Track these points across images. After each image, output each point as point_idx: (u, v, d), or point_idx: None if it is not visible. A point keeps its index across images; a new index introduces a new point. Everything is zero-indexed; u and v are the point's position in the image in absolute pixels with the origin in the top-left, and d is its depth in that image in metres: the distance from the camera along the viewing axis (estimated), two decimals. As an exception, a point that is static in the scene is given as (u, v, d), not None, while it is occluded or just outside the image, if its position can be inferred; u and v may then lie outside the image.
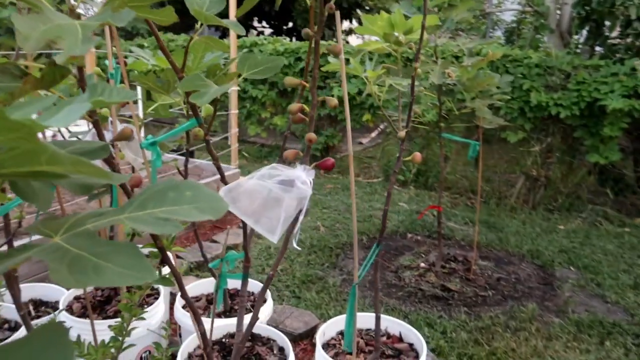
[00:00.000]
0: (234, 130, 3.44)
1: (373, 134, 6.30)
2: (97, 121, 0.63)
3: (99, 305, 1.45)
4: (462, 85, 2.36)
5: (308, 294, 2.43)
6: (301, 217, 0.85)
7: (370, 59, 1.17)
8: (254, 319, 0.97)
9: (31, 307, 1.65)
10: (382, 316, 1.40)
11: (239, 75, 0.85)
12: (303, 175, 0.82)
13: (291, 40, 6.33)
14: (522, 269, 2.88)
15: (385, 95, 1.18)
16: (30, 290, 1.72)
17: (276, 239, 0.79)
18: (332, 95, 4.66)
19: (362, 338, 1.38)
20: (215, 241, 2.95)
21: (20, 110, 0.41)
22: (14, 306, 1.49)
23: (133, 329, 0.97)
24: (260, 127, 5.18)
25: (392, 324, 1.41)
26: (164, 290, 1.53)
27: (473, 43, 2.20)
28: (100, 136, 0.65)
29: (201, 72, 1.31)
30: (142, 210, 0.46)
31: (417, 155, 1.17)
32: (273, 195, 0.82)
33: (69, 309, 1.41)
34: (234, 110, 3.39)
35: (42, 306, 1.65)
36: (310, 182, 0.83)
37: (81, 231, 0.44)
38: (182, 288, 0.81)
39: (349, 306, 1.16)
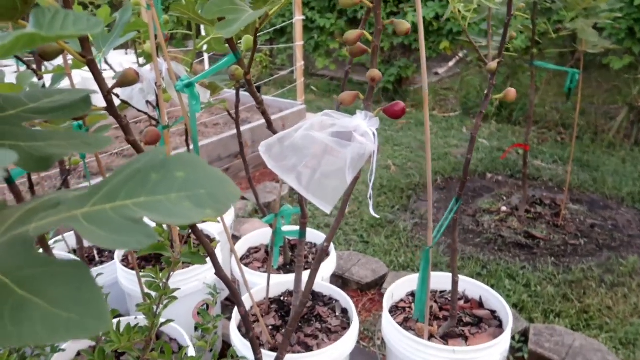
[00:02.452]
0: (299, 63, 3.25)
1: (450, 63, 5.83)
2: (91, 61, 0.48)
3: (155, 255, 1.40)
4: (562, 2, 1.99)
5: (377, 239, 2.30)
6: (372, 178, 0.68)
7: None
8: (310, 284, 0.83)
9: (95, 253, 1.64)
10: (461, 277, 1.23)
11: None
12: (363, 125, 0.64)
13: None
14: (621, 215, 2.55)
15: (473, 16, 0.94)
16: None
17: (329, 209, 0.63)
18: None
19: (435, 302, 1.23)
20: (278, 182, 2.86)
21: None
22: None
23: (175, 289, 0.87)
24: (329, 59, 4.92)
25: (472, 287, 1.24)
26: (220, 238, 1.44)
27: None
28: (100, 82, 0.50)
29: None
30: (108, 202, 0.30)
31: (511, 92, 0.94)
32: (325, 152, 0.64)
33: (125, 259, 1.37)
34: (299, 42, 3.18)
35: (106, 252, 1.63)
36: (374, 134, 0.65)
37: (18, 236, 0.29)
38: (216, 265, 0.68)
39: (421, 271, 1.00)
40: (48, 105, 0.40)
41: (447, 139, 3.65)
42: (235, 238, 2.15)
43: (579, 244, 2.28)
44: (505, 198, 2.71)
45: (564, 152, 3.35)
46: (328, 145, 0.64)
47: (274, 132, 0.84)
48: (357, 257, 2.06)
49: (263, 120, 3.07)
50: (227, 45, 1.03)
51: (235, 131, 2.91)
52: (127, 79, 0.50)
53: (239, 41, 1.19)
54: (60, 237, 1.61)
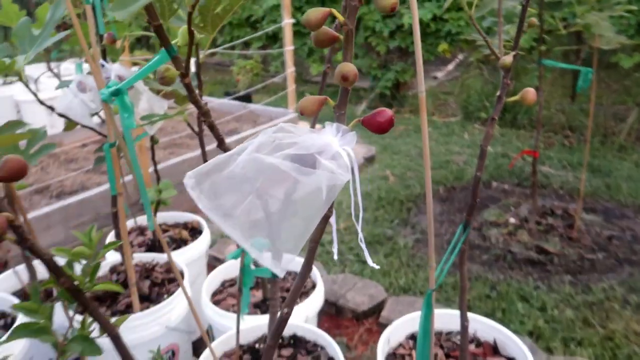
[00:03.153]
0: (290, 69, 3.06)
1: (450, 66, 5.64)
2: None
3: (111, 294, 1.20)
4: (572, -7, 1.80)
5: (374, 258, 2.10)
6: (334, 223, 0.48)
7: None
8: (281, 324, 0.62)
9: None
10: (470, 316, 1.03)
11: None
12: (334, 143, 0.45)
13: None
14: (640, 225, 2.35)
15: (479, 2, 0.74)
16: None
17: (282, 272, 0.43)
18: (402, 25, 4.09)
19: (441, 346, 1.02)
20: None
21: None
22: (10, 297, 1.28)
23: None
24: (323, 65, 4.73)
25: (484, 327, 1.04)
26: (188, 272, 1.24)
27: None
28: None
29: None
30: None
31: (530, 93, 0.74)
32: (282, 185, 0.45)
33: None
34: (289, 47, 2.99)
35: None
36: (350, 156, 0.45)
37: None
38: (122, 351, 0.48)
39: (422, 318, 0.79)
40: None
41: (448, 145, 3.45)
42: (217, 261, 1.95)
43: (596, 259, 2.08)
44: (513, 208, 2.51)
45: (572, 157, 3.15)
46: (284, 173, 0.45)
47: (206, 160, 0.65)
48: (352, 280, 1.86)
49: (253, 130, 2.89)
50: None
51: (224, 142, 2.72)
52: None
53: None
54: (11, 271, 1.41)
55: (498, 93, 0.79)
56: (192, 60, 1.18)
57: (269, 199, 0.45)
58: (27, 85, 0.97)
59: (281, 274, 0.43)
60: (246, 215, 0.44)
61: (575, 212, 2.31)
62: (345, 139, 0.46)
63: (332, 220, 0.49)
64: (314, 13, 0.42)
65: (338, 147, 0.45)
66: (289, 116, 3.14)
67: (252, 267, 0.89)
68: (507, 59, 0.73)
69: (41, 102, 0.95)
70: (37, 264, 1.48)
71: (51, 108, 0.96)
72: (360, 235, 0.51)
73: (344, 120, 0.47)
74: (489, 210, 2.49)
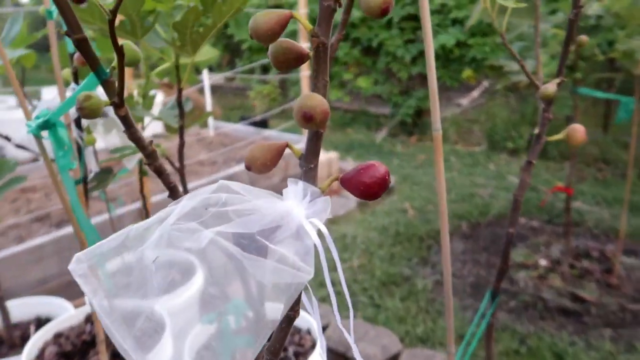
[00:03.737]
0: (304, 91, 2.94)
1: (475, 93, 5.47)
2: None
3: (82, 348, 1.05)
4: (612, 17, 1.64)
5: (390, 302, 1.91)
6: (320, 344, 0.33)
7: None
8: None
9: (32, 329, 1.31)
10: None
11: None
12: (298, 213, 0.29)
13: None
14: (687, 271, 2.11)
15: (515, 3, 0.58)
16: (34, 306, 1.38)
17: None
18: (422, 52, 3.95)
19: None
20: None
21: None
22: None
23: None
24: (343, 91, 4.62)
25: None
26: (172, 323, 1.09)
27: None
28: None
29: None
30: None
31: (580, 132, 0.58)
32: (218, 278, 0.30)
33: (40, 356, 1.03)
34: (305, 72, 2.88)
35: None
36: (322, 233, 0.30)
37: None
38: None
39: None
40: None
41: (473, 176, 3.26)
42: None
43: None
44: (543, 248, 2.30)
45: (607, 192, 2.93)
46: (225, 261, 0.30)
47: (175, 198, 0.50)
48: (364, 328, 1.67)
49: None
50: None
51: (233, 170, 2.58)
52: None
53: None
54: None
55: (536, 130, 0.63)
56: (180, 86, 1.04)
57: (187, 306, 0.30)
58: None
59: None
60: (154, 327, 0.29)
61: (613, 255, 2.10)
62: (314, 207, 0.31)
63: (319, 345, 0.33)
64: (265, 18, 0.28)
65: (303, 220, 0.30)
66: (304, 143, 3.01)
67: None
68: (550, 87, 0.58)
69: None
70: (13, 306, 1.35)
71: (7, 138, 0.83)
72: (352, 343, 0.35)
73: (314, 177, 0.32)
74: (517, 250, 2.29)
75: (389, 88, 4.32)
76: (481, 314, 0.65)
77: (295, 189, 0.31)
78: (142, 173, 1.31)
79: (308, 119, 0.28)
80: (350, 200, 2.79)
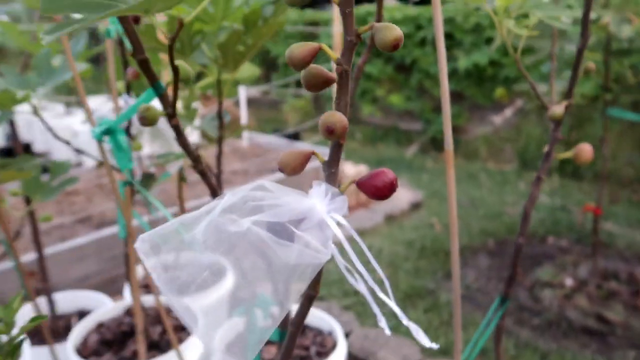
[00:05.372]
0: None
1: (507, 112, 5.45)
2: None
3: (121, 338, 1.14)
4: (642, 40, 1.66)
5: (413, 313, 1.95)
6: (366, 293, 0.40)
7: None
8: None
9: (75, 320, 1.41)
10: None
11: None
12: (320, 209, 0.36)
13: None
14: None
15: (528, 31, 0.64)
16: (76, 300, 1.49)
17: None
18: (455, 69, 4.00)
19: None
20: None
21: None
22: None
23: None
24: (375, 107, 4.69)
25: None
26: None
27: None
28: None
29: (235, 24, 0.90)
30: None
31: (586, 151, 0.63)
32: (253, 258, 0.37)
33: (84, 343, 1.12)
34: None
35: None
36: (342, 225, 0.37)
37: None
38: None
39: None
40: None
41: (502, 195, 3.26)
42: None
43: (667, 334, 1.83)
44: (570, 268, 2.29)
45: (640, 214, 2.88)
46: (259, 245, 0.37)
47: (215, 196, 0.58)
48: (385, 337, 1.72)
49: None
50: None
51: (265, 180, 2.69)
52: None
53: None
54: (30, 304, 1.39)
55: (546, 148, 0.68)
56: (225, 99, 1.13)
57: (235, 277, 0.37)
58: (38, 115, 0.96)
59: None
60: (202, 293, 0.37)
61: (642, 278, 2.08)
62: (334, 204, 0.38)
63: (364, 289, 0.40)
64: (299, 49, 0.35)
65: (324, 214, 0.37)
66: (334, 156, 3.09)
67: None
68: (558, 109, 0.63)
69: (56, 137, 0.93)
70: (57, 299, 1.46)
71: (67, 142, 0.94)
72: (395, 307, 0.42)
73: (335, 180, 0.39)
74: (544, 269, 2.29)
75: (420, 105, 4.37)
76: (489, 317, 0.71)
77: (319, 189, 0.38)
78: (181, 179, 1.42)
79: (330, 132, 0.35)
80: (377, 214, 2.84)
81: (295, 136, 3.81)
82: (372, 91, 4.59)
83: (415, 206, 3.03)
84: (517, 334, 1.83)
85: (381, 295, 0.41)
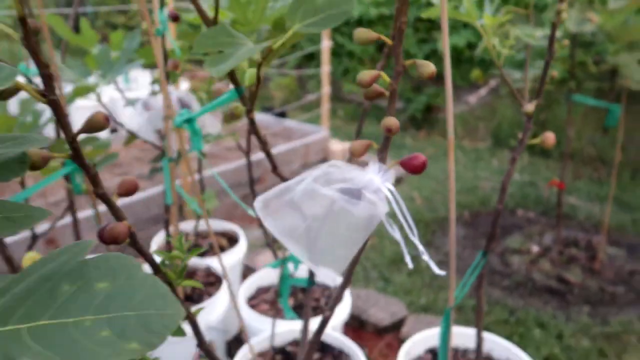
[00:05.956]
0: (325, 88, 3.19)
1: (482, 91, 5.70)
2: (52, 101, 0.41)
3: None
4: (604, 34, 1.87)
5: (397, 277, 2.18)
6: (414, 232, 0.58)
7: (491, 0, 0.83)
8: (317, 337, 0.71)
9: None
10: (486, 335, 1.11)
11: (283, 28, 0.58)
12: (377, 180, 0.55)
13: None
14: (664, 262, 2.37)
15: (508, 51, 0.84)
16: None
17: (335, 279, 0.54)
18: (436, 50, 4.19)
19: (457, 362, 1.11)
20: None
21: None
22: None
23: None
24: (357, 85, 4.86)
25: (499, 347, 1.12)
26: (229, 273, 1.36)
27: (626, -21, 1.70)
28: (64, 126, 0.42)
29: (266, 27, 1.06)
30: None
31: (550, 138, 0.84)
32: (334, 212, 0.56)
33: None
34: (325, 68, 3.13)
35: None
36: (391, 190, 0.56)
37: None
38: (198, 335, 0.59)
39: (441, 334, 0.89)
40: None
41: (476, 170, 3.51)
42: (249, 270, 2.07)
43: (616, 292, 2.11)
44: (536, 237, 2.55)
45: (600, 190, 3.17)
46: (335, 203, 0.56)
47: (281, 177, 0.76)
48: (375, 297, 1.94)
49: (286, 147, 3.02)
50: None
51: (257, 156, 2.83)
52: (94, 125, 0.43)
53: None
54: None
55: (520, 136, 0.88)
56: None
57: (322, 224, 0.56)
58: (100, 102, 1.11)
59: (332, 282, 0.54)
60: (303, 235, 0.56)
61: (598, 244, 2.35)
62: (385, 176, 0.57)
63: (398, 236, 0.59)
64: (366, 75, 0.54)
65: (380, 183, 0.56)
66: (321, 133, 3.27)
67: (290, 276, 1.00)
68: (530, 107, 0.83)
69: (116, 122, 1.09)
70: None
71: (114, 130, 1.09)
72: (422, 247, 0.61)
73: (385, 161, 0.58)
74: (513, 238, 2.55)
75: (401, 84, 4.56)
76: (474, 266, 0.91)
77: (374, 166, 0.57)
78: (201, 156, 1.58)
79: (389, 131, 0.53)
80: (363, 188, 3.05)
81: (281, 114, 3.97)
82: (355, 70, 4.75)
83: (398, 181, 3.25)
84: (490, 294, 2.09)
85: (412, 238, 0.60)
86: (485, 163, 3.69)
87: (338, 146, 3.29)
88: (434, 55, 4.29)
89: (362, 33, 0.55)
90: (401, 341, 1.75)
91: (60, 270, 0.24)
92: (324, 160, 3.27)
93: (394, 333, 1.80)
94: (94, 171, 0.46)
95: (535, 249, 2.43)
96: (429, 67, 0.52)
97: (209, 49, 0.53)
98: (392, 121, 0.53)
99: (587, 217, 2.78)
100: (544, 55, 1.97)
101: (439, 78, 4.42)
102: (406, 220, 0.58)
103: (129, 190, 0.50)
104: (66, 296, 0.23)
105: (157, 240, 1.60)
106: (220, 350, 1.38)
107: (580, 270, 2.26)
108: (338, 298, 0.61)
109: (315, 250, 0.56)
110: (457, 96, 4.68)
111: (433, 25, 4.22)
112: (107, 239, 0.45)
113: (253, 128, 0.71)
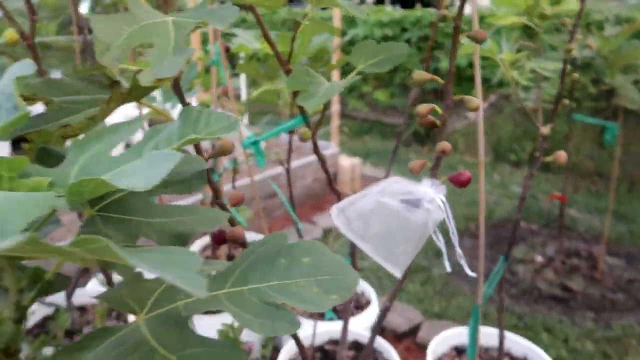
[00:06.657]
0: (335, 106, 3.33)
1: (482, 107, 5.86)
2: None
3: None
4: (602, 58, 2.02)
5: (411, 286, 2.30)
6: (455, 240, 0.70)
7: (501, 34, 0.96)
8: (383, 315, 0.84)
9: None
10: (506, 334, 1.23)
11: (346, 67, 0.71)
12: (430, 192, 0.68)
13: (394, 8, 6.02)
14: (661, 271, 2.50)
15: (524, 81, 0.97)
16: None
17: (400, 273, 0.66)
18: (437, 69, 4.36)
19: (480, 357, 1.22)
20: (314, 223, 2.88)
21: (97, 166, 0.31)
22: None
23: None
24: (362, 102, 5.02)
25: (517, 345, 1.23)
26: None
27: (622, 8, 1.85)
28: (199, 150, 0.55)
29: (307, 59, 1.19)
30: (244, 285, 0.34)
31: (562, 156, 0.96)
32: (397, 219, 0.68)
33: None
34: (335, 107, 3.27)
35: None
36: (442, 200, 0.68)
37: (169, 313, 0.33)
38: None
39: (470, 330, 1.00)
40: (168, 178, 0.45)
41: (478, 184, 3.64)
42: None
43: (617, 299, 2.23)
44: (539, 248, 2.68)
45: (598, 202, 3.31)
46: (397, 211, 0.68)
47: (335, 192, 0.88)
48: (392, 304, 2.05)
49: (298, 162, 3.14)
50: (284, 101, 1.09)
51: (276, 170, 2.95)
52: (224, 150, 0.55)
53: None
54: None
55: (537, 153, 1.01)
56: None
57: (387, 228, 0.69)
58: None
59: (399, 275, 0.66)
60: (372, 236, 0.68)
61: (599, 255, 2.48)
62: (438, 189, 0.69)
63: (440, 239, 0.71)
64: (423, 108, 0.66)
65: (433, 195, 0.69)
66: (331, 149, 3.40)
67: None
68: (545, 130, 0.96)
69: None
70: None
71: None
72: (459, 251, 0.73)
73: (436, 175, 0.70)
74: (517, 248, 2.67)
75: (404, 100, 4.72)
76: (497, 269, 1.04)
77: (428, 181, 0.69)
78: (236, 166, 1.70)
79: (442, 152, 0.66)
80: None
81: (292, 131, 4.11)
82: (360, 87, 4.91)
83: (404, 195, 3.38)
84: (497, 301, 2.20)
85: (457, 247, 0.72)
86: (487, 177, 3.83)
87: (347, 162, 3.42)
88: (436, 74, 4.44)
89: (419, 75, 0.68)
90: (418, 345, 1.86)
91: (274, 249, 0.36)
92: (335, 175, 3.39)
93: (411, 338, 1.91)
94: (216, 186, 0.58)
95: (539, 259, 2.55)
96: (474, 102, 0.65)
97: (298, 87, 0.65)
98: (445, 145, 0.66)
99: (587, 228, 2.91)
100: (549, 78, 2.11)
101: (440, 94, 4.57)
102: (451, 227, 0.71)
103: (238, 201, 0.62)
104: (284, 266, 0.35)
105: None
106: (258, 352, 1.48)
107: (582, 279, 2.38)
108: (396, 290, 0.73)
109: (382, 249, 0.68)
110: (458, 112, 4.84)
111: (435, 45, 4.39)
112: (228, 239, 0.57)
113: (315, 150, 0.84)
